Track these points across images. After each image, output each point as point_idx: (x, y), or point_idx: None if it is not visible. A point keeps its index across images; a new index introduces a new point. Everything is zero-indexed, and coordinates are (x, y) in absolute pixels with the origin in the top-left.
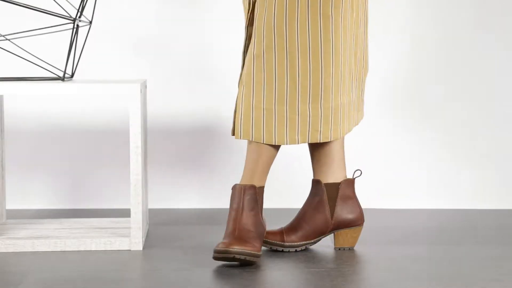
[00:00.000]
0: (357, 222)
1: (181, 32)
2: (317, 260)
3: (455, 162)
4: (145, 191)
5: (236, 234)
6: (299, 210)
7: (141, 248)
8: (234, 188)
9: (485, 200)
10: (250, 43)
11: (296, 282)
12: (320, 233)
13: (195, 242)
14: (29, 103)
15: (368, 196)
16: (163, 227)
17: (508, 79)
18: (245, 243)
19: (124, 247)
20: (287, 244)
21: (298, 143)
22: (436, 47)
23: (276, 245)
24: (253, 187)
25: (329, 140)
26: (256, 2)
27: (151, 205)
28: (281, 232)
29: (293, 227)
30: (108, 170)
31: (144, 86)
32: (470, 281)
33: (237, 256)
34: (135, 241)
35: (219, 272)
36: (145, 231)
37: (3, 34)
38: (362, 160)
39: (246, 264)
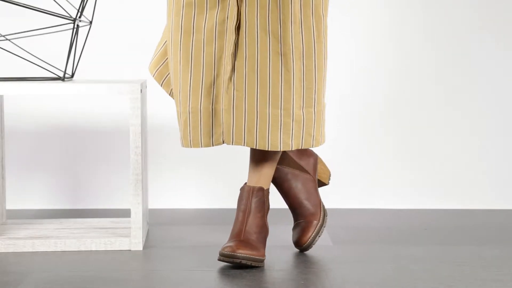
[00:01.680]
0: (314, 156)
1: None
2: (317, 260)
3: (455, 162)
4: (145, 191)
5: (242, 237)
6: (290, 207)
7: (141, 248)
8: (242, 189)
9: (484, 200)
10: (240, 43)
11: (296, 282)
12: (317, 189)
13: (195, 242)
14: (29, 103)
15: (368, 196)
16: (163, 227)
17: (506, 80)
18: (251, 247)
19: (124, 247)
20: (321, 220)
21: (291, 149)
22: (433, 47)
23: (320, 228)
24: (261, 189)
25: (320, 145)
26: (244, 2)
27: (151, 205)
28: (308, 223)
29: (309, 212)
30: (108, 170)
31: (144, 86)
32: (470, 281)
33: (243, 262)
34: (135, 241)
35: (219, 272)
36: (145, 231)
37: (3, 34)
38: (362, 160)
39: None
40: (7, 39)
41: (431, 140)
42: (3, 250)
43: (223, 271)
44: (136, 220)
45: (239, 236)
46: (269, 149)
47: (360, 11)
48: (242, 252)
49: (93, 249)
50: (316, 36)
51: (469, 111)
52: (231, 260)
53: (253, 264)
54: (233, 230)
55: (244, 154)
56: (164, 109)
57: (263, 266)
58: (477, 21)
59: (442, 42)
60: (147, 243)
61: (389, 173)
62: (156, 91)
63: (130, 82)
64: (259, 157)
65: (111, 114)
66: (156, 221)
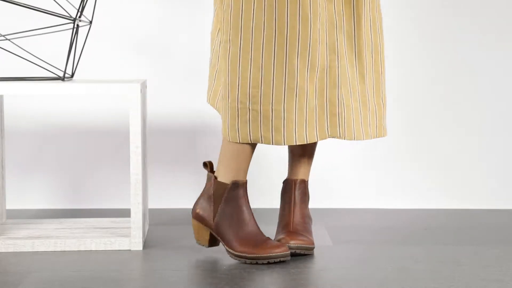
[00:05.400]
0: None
1: (181, 32)
2: (317, 260)
3: (455, 162)
4: (145, 191)
5: (292, 228)
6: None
7: (141, 248)
8: (285, 182)
9: (484, 200)
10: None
11: (296, 282)
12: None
13: (195, 242)
14: (29, 103)
15: (368, 196)
16: (163, 227)
17: (506, 80)
18: (301, 237)
19: (124, 247)
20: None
21: (370, 138)
22: (433, 47)
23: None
24: (303, 181)
25: (386, 135)
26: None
27: (151, 205)
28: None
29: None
30: (108, 170)
31: (144, 86)
32: (470, 281)
33: (298, 251)
34: (135, 241)
35: (219, 272)
36: (145, 231)
37: (3, 34)
38: (361, 160)
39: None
40: (7, 39)
41: (431, 140)
42: (3, 250)
43: (223, 271)
44: (136, 220)
45: (288, 227)
46: (354, 139)
47: None
48: (295, 243)
49: (93, 249)
50: (380, 32)
51: (469, 111)
52: None
53: (306, 252)
54: (280, 222)
55: None
56: (164, 109)
57: (259, 265)
58: (477, 21)
59: (442, 41)
60: (147, 243)
61: (389, 173)
62: (156, 91)
63: (130, 82)
64: (298, 151)
65: (111, 114)
66: (156, 221)
